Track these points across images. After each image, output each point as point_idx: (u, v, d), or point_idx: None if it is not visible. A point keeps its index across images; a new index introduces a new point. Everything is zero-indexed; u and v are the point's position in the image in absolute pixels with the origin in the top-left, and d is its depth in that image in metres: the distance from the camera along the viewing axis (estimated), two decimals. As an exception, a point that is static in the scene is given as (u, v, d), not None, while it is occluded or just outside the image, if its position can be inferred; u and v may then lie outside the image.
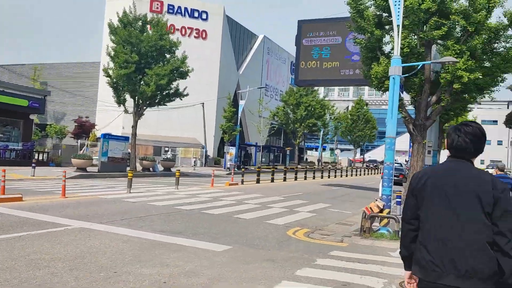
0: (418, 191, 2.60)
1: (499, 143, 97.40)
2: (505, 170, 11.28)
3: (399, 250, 2.71)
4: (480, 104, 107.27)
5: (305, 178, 31.46)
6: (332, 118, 62.91)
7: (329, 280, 5.94)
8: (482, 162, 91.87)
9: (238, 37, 52.04)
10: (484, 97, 17.30)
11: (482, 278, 2.33)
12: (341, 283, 5.80)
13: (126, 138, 25.57)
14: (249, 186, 22.41)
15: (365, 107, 71.14)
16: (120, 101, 25.33)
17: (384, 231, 10.06)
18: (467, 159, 2.57)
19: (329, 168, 42.48)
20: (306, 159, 71.44)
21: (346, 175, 42.90)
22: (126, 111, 25.71)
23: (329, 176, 37.13)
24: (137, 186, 17.84)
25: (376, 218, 10.24)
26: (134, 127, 25.70)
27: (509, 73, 16.51)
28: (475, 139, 2.55)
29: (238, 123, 37.02)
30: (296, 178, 29.82)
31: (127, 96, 25.35)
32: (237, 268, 6.36)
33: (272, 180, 26.08)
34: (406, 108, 17.58)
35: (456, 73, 15.04)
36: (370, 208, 10.21)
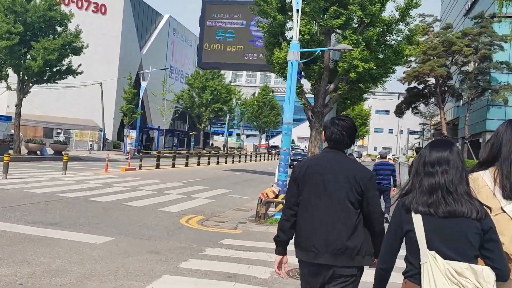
0: (299, 179, 2.80)
1: (390, 131, 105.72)
2: (388, 157, 11.95)
3: (276, 235, 2.85)
4: (374, 94, 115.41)
5: (209, 163, 31.07)
6: (239, 103, 63.16)
7: (214, 272, 5.57)
8: (375, 148, 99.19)
9: (142, 15, 49.50)
10: (378, 87, 18.20)
11: (351, 255, 2.61)
12: (226, 275, 5.46)
13: (8, 118, 22.94)
14: (148, 171, 21.42)
15: (270, 94, 72.64)
16: (2, 77, 22.57)
17: (279, 217, 9.99)
18: (341, 150, 2.85)
19: (234, 153, 42.52)
20: (212, 144, 71.22)
21: (251, 160, 43.35)
22: (8, 88, 23.02)
23: (233, 161, 37.16)
24: (18, 171, 16.02)
25: (272, 203, 10.14)
26: (19, 106, 23.12)
27: (400, 65, 17.52)
28: (350, 131, 2.82)
29: (140, 105, 35.33)
30: (199, 163, 29.30)
31: (10, 71, 22.68)
32: (114, 262, 5.72)
33: (173, 165, 25.26)
34: (306, 95, 17.90)
35: (353, 62, 15.53)
36: (266, 193, 10.07)
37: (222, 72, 65.77)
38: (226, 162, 34.82)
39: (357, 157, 46.21)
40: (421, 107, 39.81)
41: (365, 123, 57.75)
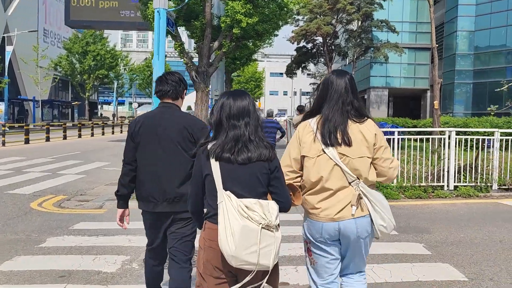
0: (135, 134, 2.91)
1: (285, 93, 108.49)
2: (274, 116, 12.22)
3: (117, 189, 2.99)
4: (268, 57, 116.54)
5: (92, 134, 28.41)
6: (127, 69, 59.14)
7: (44, 272, 4.26)
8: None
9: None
10: (265, 44, 17.49)
11: (185, 200, 2.63)
12: (59, 274, 4.19)
13: None
14: (13, 147, 18.62)
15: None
16: None
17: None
18: (173, 104, 2.99)
19: (122, 122, 39.73)
20: (101, 114, 66.55)
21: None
22: None
23: (121, 131, 34.58)
24: None
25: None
26: None
27: (286, 21, 16.86)
28: (176, 84, 2.98)
29: (6, 74, 30.89)
30: (80, 136, 26.57)
31: None
32: None
33: (48, 139, 22.45)
34: (191, 55, 16.54)
35: (235, 17, 14.47)
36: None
37: (106, 34, 60.80)
38: (113, 133, 32.23)
39: (279, 117, 46.07)
40: (311, 67, 40.48)
41: (259, 85, 57.85)
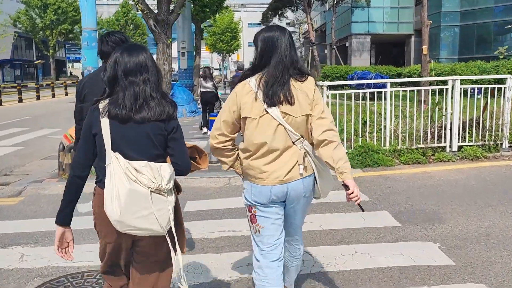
0: (81, 93, 3.00)
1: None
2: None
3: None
4: (245, 6, 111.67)
5: (54, 95, 26.13)
6: (94, 23, 55.35)
7: None
8: (250, 63, 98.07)
9: None
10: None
11: None
12: None
13: None
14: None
15: (132, 11, 65.05)
16: None
17: (95, 165, 7.15)
18: None
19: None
20: (71, 73, 63.15)
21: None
22: None
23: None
24: None
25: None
26: None
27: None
28: (115, 46, 2.78)
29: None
30: (38, 98, 24.31)
31: None
32: None
33: (0, 103, 20.28)
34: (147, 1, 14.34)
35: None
36: (70, 135, 7.03)
37: None
38: (66, 94, 29.84)
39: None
40: (289, 14, 38.00)
41: (236, 36, 54.92)
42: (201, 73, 11.81)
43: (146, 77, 2.01)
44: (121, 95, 1.98)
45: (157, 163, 1.97)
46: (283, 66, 2.26)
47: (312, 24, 31.94)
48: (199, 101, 12.74)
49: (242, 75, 2.37)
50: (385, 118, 7.18)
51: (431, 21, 16.88)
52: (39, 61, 44.41)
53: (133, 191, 1.89)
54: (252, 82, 2.28)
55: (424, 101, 11.56)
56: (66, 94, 28.03)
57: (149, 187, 1.91)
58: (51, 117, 15.67)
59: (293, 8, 32.76)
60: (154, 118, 1.98)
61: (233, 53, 63.36)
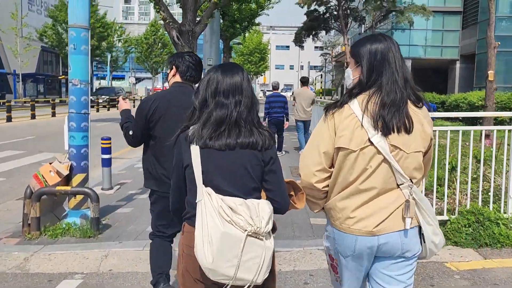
0: (151, 115, 2.82)
1: (291, 67, 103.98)
2: (279, 89, 10.65)
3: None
4: (273, 29, 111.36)
5: (71, 112, 24.52)
6: (121, 40, 54.67)
7: None
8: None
9: None
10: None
11: None
12: None
13: None
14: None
15: (161, 30, 64.52)
16: None
17: (76, 219, 4.99)
18: (190, 84, 2.96)
19: (108, 99, 35.77)
20: (96, 89, 62.49)
21: (134, 106, 37.10)
22: None
23: (108, 109, 30.69)
24: None
25: (57, 195, 5.02)
26: None
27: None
28: (199, 67, 2.97)
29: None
30: (54, 114, 22.70)
31: None
32: None
33: (9, 119, 18.64)
34: (172, 10, 12.48)
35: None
36: (43, 175, 4.90)
37: (106, 7, 56.15)
38: (98, 110, 28.35)
39: (284, 92, 42.77)
40: (322, 35, 36.01)
41: (264, 58, 53.35)
42: None
43: (238, 99, 1.79)
44: (209, 118, 1.77)
45: (255, 201, 1.72)
46: (398, 84, 1.79)
47: (349, 44, 29.79)
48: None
49: (343, 99, 1.84)
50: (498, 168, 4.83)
51: (499, 43, 14.49)
52: (63, 76, 43.48)
53: (227, 234, 1.64)
54: (355, 104, 1.81)
55: (488, 135, 9.07)
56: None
57: (245, 230, 1.65)
58: (57, 138, 13.77)
59: (328, 28, 30.71)
60: (246, 146, 1.76)
61: (261, 75, 61.76)
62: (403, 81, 1.80)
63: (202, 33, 13.64)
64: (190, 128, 1.79)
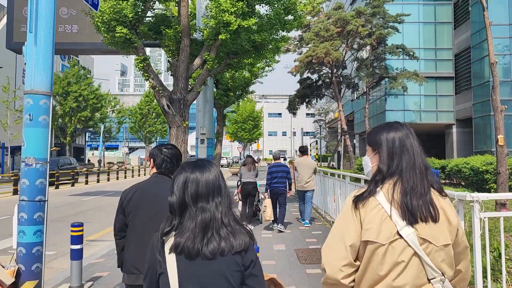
0: (126, 205, 2.88)
1: (284, 134, 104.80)
2: (281, 157, 10.50)
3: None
4: (265, 97, 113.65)
5: (57, 186, 23.37)
6: (115, 111, 54.74)
7: None
8: (270, 152, 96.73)
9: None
10: (265, 63, 12.90)
11: None
12: None
13: None
14: None
15: (155, 100, 65.22)
16: None
17: None
18: (168, 175, 3.00)
19: (109, 169, 34.83)
20: (89, 160, 61.69)
21: (125, 177, 36.07)
22: None
23: (98, 181, 29.53)
24: None
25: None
26: None
27: (289, 30, 12.26)
28: (175, 159, 3.04)
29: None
30: (38, 188, 21.47)
31: None
32: None
33: (-12, 195, 17.42)
34: (166, 82, 11.84)
35: (223, 18, 9.93)
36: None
37: (102, 80, 56.90)
38: (87, 183, 27.17)
39: (283, 160, 42.27)
40: (315, 101, 36.03)
41: (257, 125, 53.32)
42: (243, 161, 10.77)
43: (218, 201, 1.71)
44: (189, 224, 1.66)
45: None
46: (419, 170, 1.78)
47: (343, 111, 29.54)
48: (236, 192, 11.37)
49: (369, 190, 1.78)
50: None
51: (506, 106, 13.94)
52: (53, 148, 42.75)
53: None
54: (380, 194, 1.75)
55: (504, 204, 8.41)
56: (73, 184, 25.35)
57: None
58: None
59: (321, 95, 30.64)
60: (227, 251, 1.64)
61: (254, 142, 61.56)
62: (424, 168, 1.79)
63: (194, 102, 13.00)
64: (169, 234, 1.68)
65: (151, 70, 10.79)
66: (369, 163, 1.89)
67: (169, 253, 1.62)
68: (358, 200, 1.77)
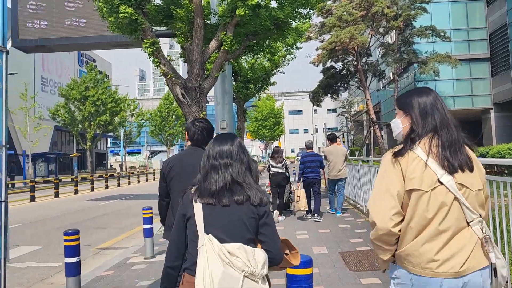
0: (167, 174, 3.28)
1: (305, 131, 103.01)
2: (313, 148, 9.95)
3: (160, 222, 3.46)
4: (285, 95, 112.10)
5: (77, 191, 22.53)
6: (134, 115, 54.21)
7: None
8: (292, 150, 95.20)
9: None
10: (287, 41, 11.62)
11: None
12: None
13: None
14: None
15: (174, 102, 64.56)
16: None
17: None
18: (200, 146, 3.30)
19: (120, 174, 34.15)
20: (111, 165, 61.51)
21: (147, 180, 35.28)
22: None
23: (119, 185, 28.72)
24: None
25: None
26: None
27: (313, 5, 10.89)
28: (207, 131, 3.32)
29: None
30: (57, 195, 20.65)
31: None
32: None
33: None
34: (175, 65, 10.65)
35: (239, -10, 8.67)
36: None
37: (123, 86, 56.62)
38: (107, 187, 26.33)
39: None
40: (341, 92, 34.42)
41: (279, 122, 51.99)
42: (272, 153, 10.68)
43: (228, 162, 2.06)
44: (208, 179, 2.04)
45: (251, 248, 1.91)
46: (452, 127, 1.92)
47: (370, 99, 27.88)
48: (267, 184, 11.12)
49: (405, 146, 1.91)
50: None
51: None
52: (74, 154, 42.35)
53: (227, 274, 1.81)
54: (418, 149, 1.88)
55: None
56: (92, 189, 24.54)
57: (242, 271, 1.84)
58: (48, 226, 11.54)
59: (346, 84, 29.06)
60: (244, 200, 1.99)
61: (276, 140, 60.24)
62: (454, 126, 1.91)
63: (212, 94, 11.79)
64: (193, 187, 2.06)
65: (162, 54, 9.60)
66: (400, 124, 2.00)
67: (195, 202, 1.98)
68: (398, 155, 1.87)
